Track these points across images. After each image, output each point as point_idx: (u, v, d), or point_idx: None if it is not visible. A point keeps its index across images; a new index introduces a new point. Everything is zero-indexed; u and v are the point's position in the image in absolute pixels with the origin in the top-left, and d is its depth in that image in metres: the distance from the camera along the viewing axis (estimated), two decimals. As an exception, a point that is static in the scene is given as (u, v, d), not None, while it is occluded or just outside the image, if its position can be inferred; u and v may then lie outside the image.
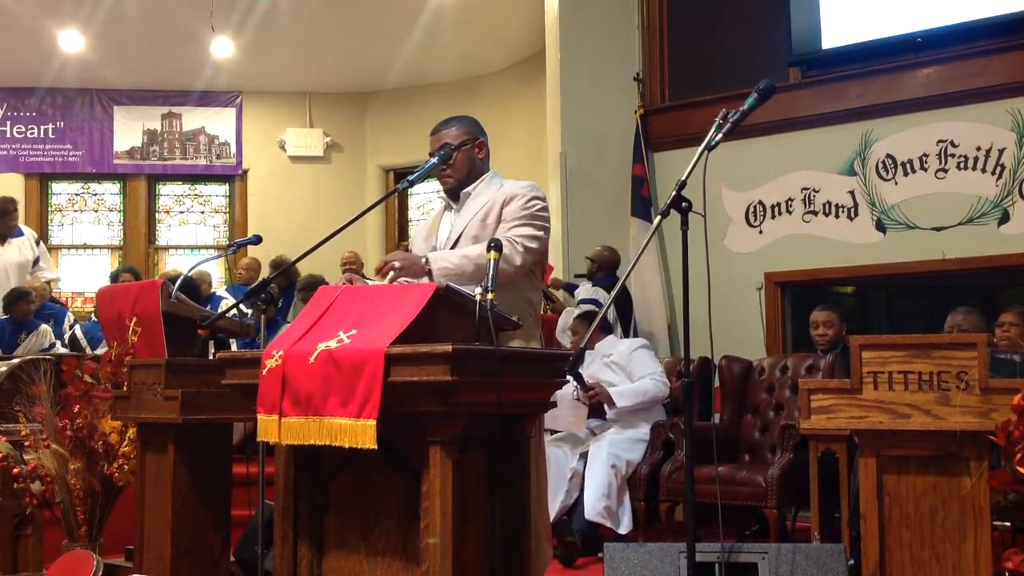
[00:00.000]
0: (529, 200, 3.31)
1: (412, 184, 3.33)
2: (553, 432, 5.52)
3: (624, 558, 3.26)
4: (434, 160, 3.36)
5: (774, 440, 5.30)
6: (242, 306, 4.10)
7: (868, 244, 6.51)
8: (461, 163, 3.39)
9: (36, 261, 7.95)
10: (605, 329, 6.03)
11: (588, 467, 5.31)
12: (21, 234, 7.98)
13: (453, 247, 3.32)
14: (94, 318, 7.66)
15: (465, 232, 3.32)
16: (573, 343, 5.83)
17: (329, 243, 3.37)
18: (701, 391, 5.69)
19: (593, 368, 5.67)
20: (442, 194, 3.60)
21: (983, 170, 6.14)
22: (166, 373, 3.56)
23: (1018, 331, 4.89)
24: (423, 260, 3.13)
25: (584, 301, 6.41)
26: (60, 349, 7.38)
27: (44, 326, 7.64)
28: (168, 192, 11.38)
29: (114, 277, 7.58)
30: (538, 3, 8.13)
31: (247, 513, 4.23)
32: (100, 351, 5.77)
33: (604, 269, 6.75)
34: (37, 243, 8.17)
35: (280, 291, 7.38)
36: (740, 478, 5.02)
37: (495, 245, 2.74)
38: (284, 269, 6.85)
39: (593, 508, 5.16)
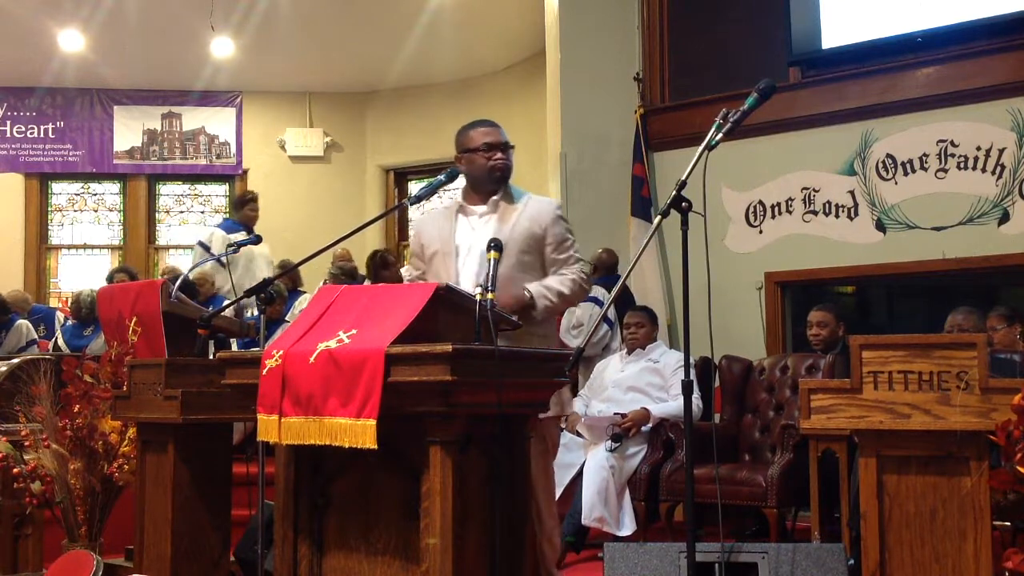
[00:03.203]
0: (567, 229, 3.55)
1: (419, 200, 3.43)
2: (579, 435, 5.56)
3: (624, 558, 3.26)
4: (441, 177, 3.41)
5: (774, 440, 5.29)
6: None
7: (868, 244, 6.51)
8: (512, 162, 3.53)
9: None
10: (609, 326, 6.13)
11: (586, 472, 5.28)
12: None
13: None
14: (69, 321, 7.68)
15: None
16: (626, 337, 5.88)
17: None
18: (701, 391, 5.69)
19: (637, 367, 5.71)
20: (456, 197, 3.63)
21: (983, 170, 6.13)
22: (166, 373, 3.57)
23: (1003, 334, 4.90)
24: (528, 296, 3.34)
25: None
26: (35, 349, 7.41)
27: (20, 321, 7.61)
28: (168, 192, 11.39)
29: (109, 278, 7.58)
30: (538, 3, 8.12)
31: (247, 513, 4.23)
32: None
33: (601, 271, 6.77)
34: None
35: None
36: (740, 478, 5.01)
37: (495, 245, 2.83)
38: (288, 271, 6.97)
39: (588, 514, 5.15)
